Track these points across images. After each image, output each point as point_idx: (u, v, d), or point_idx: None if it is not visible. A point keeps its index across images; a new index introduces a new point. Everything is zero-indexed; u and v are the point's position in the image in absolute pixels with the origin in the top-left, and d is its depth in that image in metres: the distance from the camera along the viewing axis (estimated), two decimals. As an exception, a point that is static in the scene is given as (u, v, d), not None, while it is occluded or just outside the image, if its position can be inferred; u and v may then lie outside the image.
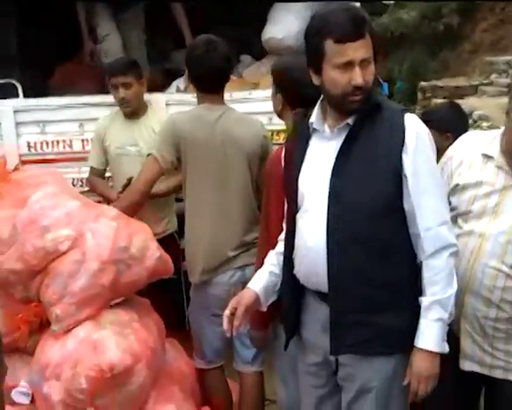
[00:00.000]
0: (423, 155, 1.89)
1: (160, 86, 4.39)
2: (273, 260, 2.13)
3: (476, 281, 1.97)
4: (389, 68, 16.34)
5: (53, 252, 2.19)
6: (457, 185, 2.08)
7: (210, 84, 2.73)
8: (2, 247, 2.23)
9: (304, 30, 2.12)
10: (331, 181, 1.91)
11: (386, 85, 14.65)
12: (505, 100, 7.85)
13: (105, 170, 3.42)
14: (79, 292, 2.18)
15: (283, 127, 2.70)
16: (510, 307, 1.94)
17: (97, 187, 3.35)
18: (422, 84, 13.60)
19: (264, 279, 2.10)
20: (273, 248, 2.18)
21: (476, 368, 2.01)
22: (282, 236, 2.12)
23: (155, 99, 3.67)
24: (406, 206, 1.88)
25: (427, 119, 3.10)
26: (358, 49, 1.85)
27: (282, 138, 3.40)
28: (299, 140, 2.07)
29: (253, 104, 3.58)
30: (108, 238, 2.26)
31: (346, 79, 1.86)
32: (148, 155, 2.69)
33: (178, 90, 4.13)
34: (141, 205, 2.73)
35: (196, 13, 4.64)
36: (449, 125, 2.82)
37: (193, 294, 2.79)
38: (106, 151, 3.36)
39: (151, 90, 3.85)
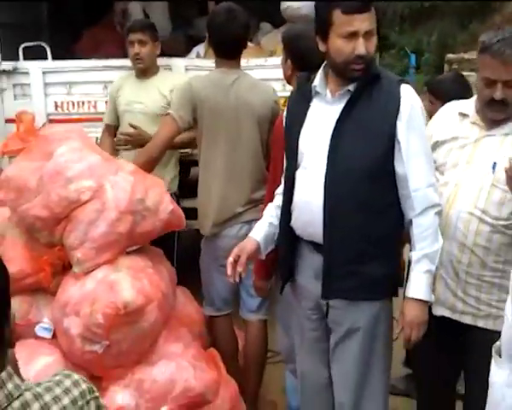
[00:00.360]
0: (415, 123, 2.06)
1: (182, 51, 4.56)
2: (272, 212, 2.32)
3: (451, 227, 2.14)
4: (418, 39, 16.18)
5: (75, 201, 2.40)
6: (436, 142, 2.26)
7: (228, 50, 2.90)
8: (29, 195, 2.44)
9: None
10: (331, 142, 2.08)
11: (413, 57, 14.46)
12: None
13: (116, 127, 3.63)
14: (99, 238, 2.39)
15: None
16: (482, 251, 2.10)
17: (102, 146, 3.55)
18: (449, 56, 13.50)
19: (264, 229, 2.30)
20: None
21: (447, 313, 2.19)
22: (279, 190, 2.31)
23: (175, 63, 3.86)
24: (398, 169, 2.06)
25: (432, 88, 3.23)
26: (364, 21, 2.01)
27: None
28: (300, 101, 2.23)
29: (268, 71, 3.73)
30: (126, 191, 2.45)
31: (350, 48, 2.02)
32: (167, 114, 2.88)
33: (198, 56, 4.30)
34: (157, 161, 2.93)
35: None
36: (452, 96, 2.96)
37: (203, 246, 3.00)
38: (117, 109, 3.58)
39: (173, 54, 4.04)
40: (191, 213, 2.99)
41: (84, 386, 1.37)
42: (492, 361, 1.36)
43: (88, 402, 1.33)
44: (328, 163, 2.08)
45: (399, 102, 2.05)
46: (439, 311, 2.20)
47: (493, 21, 15.75)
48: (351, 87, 2.09)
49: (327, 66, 2.16)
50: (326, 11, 2.04)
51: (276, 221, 2.31)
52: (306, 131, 2.18)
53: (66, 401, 1.30)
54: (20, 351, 2.29)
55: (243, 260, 2.17)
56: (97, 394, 1.40)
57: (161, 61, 3.82)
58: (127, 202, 2.45)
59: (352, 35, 2.01)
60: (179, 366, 2.41)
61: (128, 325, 2.30)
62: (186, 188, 3.59)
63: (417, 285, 2.04)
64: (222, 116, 2.84)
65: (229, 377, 2.62)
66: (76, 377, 1.39)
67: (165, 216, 2.56)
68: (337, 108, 2.11)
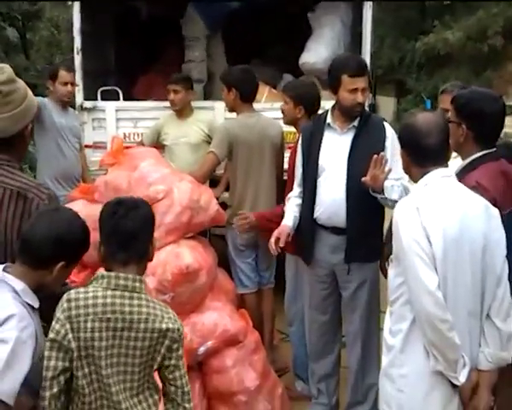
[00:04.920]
0: (395, 143, 3.16)
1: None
2: (294, 208, 3.45)
3: None
4: (434, 86, 17.25)
5: (153, 198, 3.45)
6: None
7: (252, 96, 4.09)
8: (122, 193, 3.50)
9: (330, 57, 3.47)
10: (348, 159, 3.24)
11: (428, 102, 15.34)
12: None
13: None
14: (168, 224, 3.44)
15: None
16: None
17: None
18: (462, 102, 14.51)
19: (291, 219, 3.42)
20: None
21: None
22: (294, 193, 3.45)
23: (217, 105, 4.99)
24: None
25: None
26: (361, 82, 3.21)
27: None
28: (316, 133, 3.38)
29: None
30: (187, 193, 3.55)
31: (352, 98, 3.20)
32: (209, 152, 4.00)
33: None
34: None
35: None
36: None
37: (229, 237, 4.11)
38: (164, 143, 4.74)
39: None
40: None
41: (174, 325, 2.11)
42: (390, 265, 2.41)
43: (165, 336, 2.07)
44: (347, 173, 3.22)
45: (385, 132, 3.27)
46: None
47: (506, 70, 16.76)
48: (355, 123, 3.26)
49: (334, 109, 3.31)
50: (337, 74, 3.22)
51: (298, 215, 3.43)
52: (325, 152, 3.32)
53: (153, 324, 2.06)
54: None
55: (283, 238, 3.29)
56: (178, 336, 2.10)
57: (207, 103, 5.00)
58: (187, 200, 3.54)
59: (354, 90, 3.18)
60: (220, 315, 3.46)
61: (187, 282, 3.34)
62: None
63: None
64: (251, 147, 3.99)
65: (253, 328, 3.65)
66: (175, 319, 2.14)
67: (212, 213, 3.66)
68: (346, 137, 3.30)
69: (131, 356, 2.08)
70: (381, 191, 3.06)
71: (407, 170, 2.46)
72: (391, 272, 2.38)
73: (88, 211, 3.64)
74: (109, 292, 2.09)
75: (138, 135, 5.09)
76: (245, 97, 4.06)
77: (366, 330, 3.43)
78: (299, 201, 3.45)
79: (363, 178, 3.03)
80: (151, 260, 2.28)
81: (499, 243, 2.26)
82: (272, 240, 3.28)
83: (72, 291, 2.10)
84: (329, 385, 3.66)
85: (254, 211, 3.98)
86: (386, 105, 18.67)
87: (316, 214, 3.33)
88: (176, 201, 3.50)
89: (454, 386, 2.25)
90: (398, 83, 20.61)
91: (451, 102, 2.77)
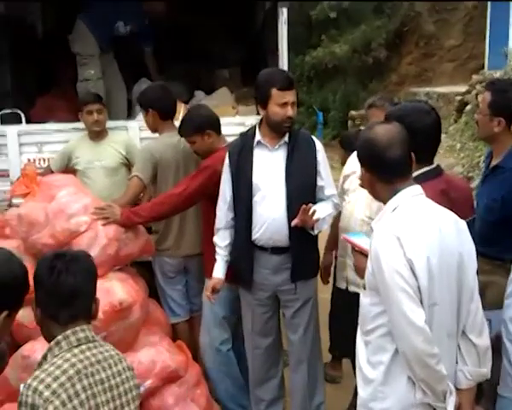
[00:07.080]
0: (324, 157, 3.23)
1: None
2: (225, 251, 3.30)
3: (351, 228, 3.24)
4: (324, 98, 17.74)
5: (75, 231, 3.19)
6: (346, 175, 3.44)
7: (172, 113, 3.91)
8: (39, 227, 3.20)
9: None
10: (286, 175, 3.14)
11: (320, 114, 15.55)
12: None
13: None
14: (94, 258, 3.17)
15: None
16: None
17: None
18: (352, 113, 15.08)
19: (223, 267, 3.28)
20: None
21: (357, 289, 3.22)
22: (220, 224, 3.28)
23: (130, 125, 4.70)
24: (319, 183, 3.20)
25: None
26: (291, 95, 3.09)
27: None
28: (245, 151, 3.22)
29: None
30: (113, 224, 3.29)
31: (283, 112, 3.07)
32: (133, 176, 3.74)
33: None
34: None
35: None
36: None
37: (157, 265, 3.87)
38: (76, 168, 4.35)
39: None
40: None
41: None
42: (361, 293, 2.29)
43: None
44: (287, 191, 3.13)
45: (315, 146, 3.21)
46: (351, 288, 3.32)
47: (390, 80, 17.58)
48: (286, 139, 3.15)
49: (261, 125, 3.18)
50: (266, 88, 3.08)
51: (228, 257, 3.29)
52: (258, 171, 3.17)
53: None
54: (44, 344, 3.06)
55: (218, 290, 3.25)
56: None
57: (119, 123, 4.70)
58: (114, 231, 3.28)
59: (285, 104, 3.05)
60: (158, 350, 3.22)
61: (120, 320, 3.08)
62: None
63: None
64: (177, 168, 3.78)
65: (193, 360, 3.44)
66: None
67: (142, 243, 3.42)
68: (278, 154, 3.19)
69: (131, 402, 2.04)
70: (312, 229, 3.16)
71: (371, 189, 2.31)
72: (365, 300, 2.25)
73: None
74: (76, 350, 1.92)
75: (45, 160, 4.68)
76: (164, 115, 3.86)
77: (311, 350, 3.35)
78: (229, 239, 3.30)
79: (293, 222, 3.08)
80: (94, 318, 2.10)
81: (471, 256, 2.20)
82: (208, 293, 3.27)
83: (35, 382, 1.82)
84: (278, 409, 3.53)
85: (182, 235, 3.79)
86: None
87: (254, 236, 3.20)
88: (101, 232, 3.24)
89: None
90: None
91: (385, 119, 2.64)
